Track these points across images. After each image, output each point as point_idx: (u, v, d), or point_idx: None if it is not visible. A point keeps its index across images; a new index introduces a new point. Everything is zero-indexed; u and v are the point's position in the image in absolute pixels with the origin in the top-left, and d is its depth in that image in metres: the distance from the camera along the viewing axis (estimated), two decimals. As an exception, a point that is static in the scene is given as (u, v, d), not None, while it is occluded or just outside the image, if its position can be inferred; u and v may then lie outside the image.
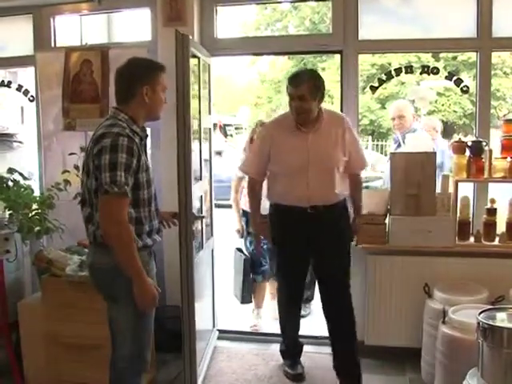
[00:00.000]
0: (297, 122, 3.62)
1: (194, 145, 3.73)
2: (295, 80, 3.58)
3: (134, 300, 2.67)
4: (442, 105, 15.44)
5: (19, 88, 5.08)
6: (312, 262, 3.88)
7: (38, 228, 3.98)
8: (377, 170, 7.72)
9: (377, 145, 16.05)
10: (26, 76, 5.25)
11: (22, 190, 4.04)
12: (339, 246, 3.78)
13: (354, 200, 3.91)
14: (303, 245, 3.76)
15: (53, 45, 4.89)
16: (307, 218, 3.66)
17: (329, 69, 16.26)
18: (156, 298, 2.71)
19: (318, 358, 4.22)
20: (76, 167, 4.22)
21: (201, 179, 4.12)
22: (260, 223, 4.01)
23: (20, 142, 4.96)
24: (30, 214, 4.01)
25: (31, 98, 4.97)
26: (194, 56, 3.75)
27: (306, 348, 4.20)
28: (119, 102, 2.81)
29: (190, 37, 3.55)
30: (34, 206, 4.09)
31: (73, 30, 5.01)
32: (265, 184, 3.95)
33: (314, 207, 3.65)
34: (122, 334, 2.80)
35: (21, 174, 4.11)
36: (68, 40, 5.06)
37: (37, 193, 4.39)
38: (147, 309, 2.75)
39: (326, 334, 4.00)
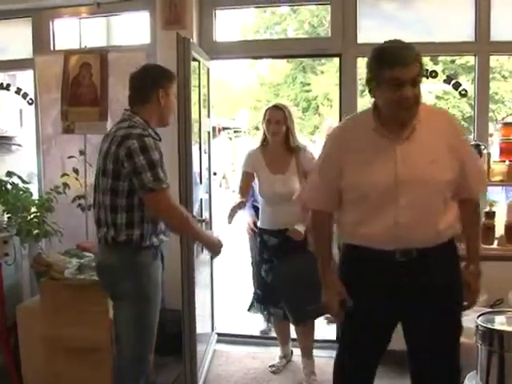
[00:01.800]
0: (401, 119, 2.34)
1: (194, 148, 3.74)
2: (401, 55, 2.32)
3: (138, 300, 2.78)
4: (441, 108, 15.47)
5: (18, 91, 5.07)
6: (403, 328, 2.58)
7: (36, 231, 3.98)
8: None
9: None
10: (24, 79, 5.24)
11: (21, 193, 4.04)
12: (446, 315, 2.47)
13: (467, 240, 2.62)
14: (386, 309, 2.46)
15: (52, 48, 4.89)
16: (394, 270, 2.38)
17: (328, 72, 16.28)
18: (221, 244, 3.14)
19: (319, 362, 4.22)
20: (75, 170, 4.23)
21: (201, 182, 4.13)
22: (336, 279, 2.55)
23: (19, 145, 4.96)
24: (29, 217, 4.01)
25: (30, 101, 4.97)
26: (194, 59, 3.76)
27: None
28: (133, 105, 2.89)
29: (191, 40, 3.56)
30: (33, 209, 4.09)
31: (72, 33, 5.01)
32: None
33: (406, 252, 2.35)
34: (126, 334, 2.84)
35: (20, 177, 4.11)
36: (67, 43, 5.06)
37: (36, 196, 4.39)
38: (218, 254, 3.18)
39: (328, 337, 3.98)
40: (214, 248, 3.12)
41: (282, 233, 3.82)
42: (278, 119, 3.81)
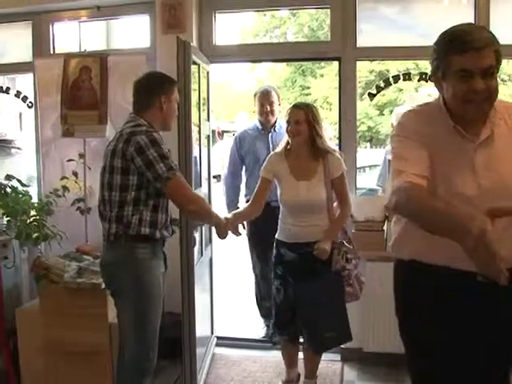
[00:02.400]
0: (468, 117, 1.99)
1: (194, 151, 3.75)
2: (473, 39, 1.95)
3: (138, 296, 2.84)
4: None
5: (18, 94, 5.07)
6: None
7: (36, 234, 3.98)
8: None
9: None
10: (24, 82, 5.25)
11: (21, 196, 4.04)
12: None
13: None
14: (472, 341, 2.01)
15: (52, 51, 4.89)
16: (477, 293, 1.89)
17: (327, 75, 16.31)
18: (232, 229, 3.44)
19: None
20: (74, 174, 4.23)
21: (200, 185, 4.13)
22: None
23: (18, 149, 4.97)
24: (28, 221, 4.01)
25: (30, 105, 4.97)
26: (194, 63, 3.76)
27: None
28: (137, 111, 3.00)
29: (192, 43, 3.57)
30: (33, 213, 4.09)
31: (72, 36, 5.01)
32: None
33: None
34: (128, 334, 2.88)
35: (19, 181, 4.11)
36: (67, 46, 5.06)
37: (35, 199, 4.39)
38: (225, 237, 3.32)
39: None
40: (221, 230, 3.28)
41: (302, 247, 3.47)
42: (297, 119, 3.51)
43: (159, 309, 2.96)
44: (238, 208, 4.46)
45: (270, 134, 4.77)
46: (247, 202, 4.13)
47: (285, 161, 3.60)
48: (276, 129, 4.77)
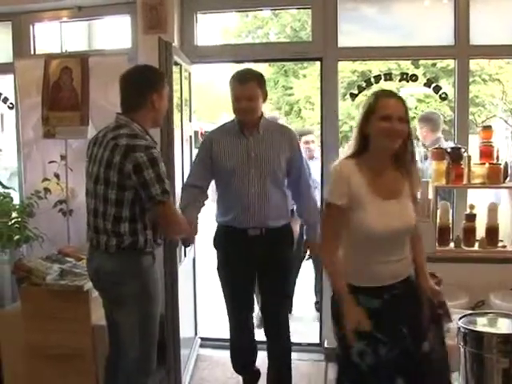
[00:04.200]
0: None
1: (176, 152, 3.73)
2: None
3: (143, 302, 2.86)
4: (422, 111, 15.57)
5: (-2, 95, 5.04)
6: None
7: (17, 236, 3.96)
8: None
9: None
10: (5, 83, 5.20)
11: (2, 198, 4.01)
12: None
13: None
14: None
15: (32, 52, 4.86)
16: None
17: (310, 75, 16.32)
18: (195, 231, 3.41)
19: (301, 365, 4.22)
20: (56, 175, 4.20)
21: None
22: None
23: (-1, 150, 4.93)
24: (10, 223, 3.98)
25: (10, 106, 4.93)
26: (176, 63, 3.75)
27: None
28: (127, 111, 2.89)
29: (173, 44, 3.56)
30: (14, 215, 4.06)
31: (53, 37, 4.98)
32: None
33: None
34: (131, 337, 2.87)
35: (0, 183, 4.08)
36: (48, 47, 5.03)
37: (16, 201, 4.35)
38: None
39: (310, 340, 3.98)
40: (190, 235, 3.39)
41: (390, 290, 2.56)
42: (400, 115, 2.49)
43: (159, 311, 3.01)
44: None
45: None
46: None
47: (358, 172, 2.56)
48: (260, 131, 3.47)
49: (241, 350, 3.82)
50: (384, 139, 2.49)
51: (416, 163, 2.71)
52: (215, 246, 3.63)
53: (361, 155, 2.57)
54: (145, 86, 2.87)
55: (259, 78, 3.39)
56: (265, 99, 3.45)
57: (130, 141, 2.73)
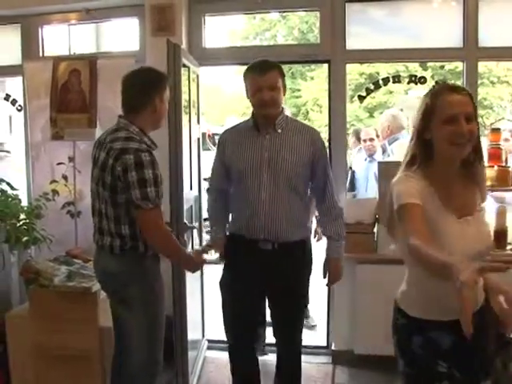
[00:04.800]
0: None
1: (185, 154, 3.73)
2: None
3: (149, 303, 2.86)
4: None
5: (7, 97, 5.06)
6: None
7: (25, 238, 3.96)
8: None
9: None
10: (13, 85, 5.22)
11: (10, 199, 4.02)
12: None
13: None
14: None
15: (41, 54, 4.88)
16: None
17: (317, 78, 16.33)
18: (203, 263, 3.16)
19: (308, 368, 4.20)
20: (64, 177, 4.21)
21: (191, 189, 4.12)
22: None
23: (7, 152, 4.94)
24: (18, 224, 3.99)
25: (19, 108, 4.95)
26: (184, 66, 3.76)
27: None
28: (128, 112, 2.89)
29: (182, 46, 3.57)
30: (22, 216, 4.07)
31: (61, 39, 5.00)
32: None
33: None
34: (136, 338, 2.88)
35: (8, 184, 4.10)
36: (56, 49, 5.04)
37: (25, 203, 4.37)
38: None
39: (317, 343, 3.96)
40: (194, 266, 3.17)
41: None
42: (468, 113, 2.06)
43: (165, 311, 3.02)
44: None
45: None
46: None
47: (429, 187, 2.12)
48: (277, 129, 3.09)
49: (242, 375, 3.45)
50: (450, 146, 2.05)
51: (484, 165, 2.29)
52: (223, 257, 3.28)
53: (424, 165, 2.14)
54: (146, 89, 2.87)
55: (280, 67, 3.05)
56: (284, 92, 3.11)
57: (123, 144, 2.74)
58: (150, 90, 2.87)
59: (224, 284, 3.27)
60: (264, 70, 2.97)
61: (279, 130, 3.07)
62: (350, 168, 5.24)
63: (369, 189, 5.08)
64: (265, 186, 3.01)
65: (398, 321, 2.25)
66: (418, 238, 1.88)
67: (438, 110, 2.06)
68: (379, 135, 5.31)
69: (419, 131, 2.14)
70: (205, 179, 4.47)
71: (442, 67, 13.57)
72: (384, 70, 11.99)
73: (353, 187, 5.18)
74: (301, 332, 3.35)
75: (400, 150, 4.65)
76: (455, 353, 2.10)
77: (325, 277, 3.25)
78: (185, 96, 3.78)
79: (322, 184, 3.13)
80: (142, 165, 2.67)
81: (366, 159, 5.36)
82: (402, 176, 2.18)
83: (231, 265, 3.25)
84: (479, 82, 4.49)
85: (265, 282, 3.13)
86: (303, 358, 4.09)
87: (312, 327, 5.15)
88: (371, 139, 5.30)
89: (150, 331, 2.90)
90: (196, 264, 3.13)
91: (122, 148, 2.72)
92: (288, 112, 3.87)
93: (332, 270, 3.23)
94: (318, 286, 5.60)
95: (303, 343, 4.03)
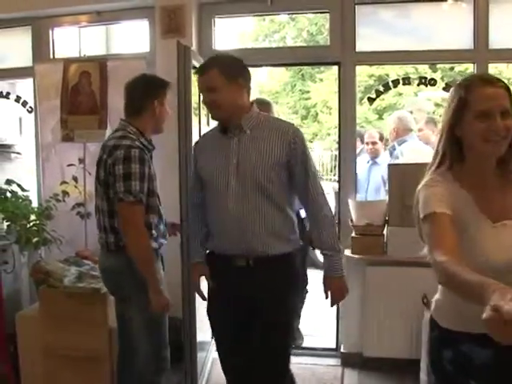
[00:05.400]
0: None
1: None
2: None
3: (145, 300, 2.82)
4: (440, 115, 15.50)
5: (18, 99, 5.09)
6: None
7: (36, 239, 3.99)
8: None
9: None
10: (24, 87, 5.25)
11: (21, 201, 4.05)
12: None
13: None
14: None
15: (51, 56, 4.90)
16: None
17: (327, 79, 16.29)
18: (167, 306, 2.87)
19: (316, 370, 4.20)
20: (74, 178, 4.23)
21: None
22: None
23: (18, 153, 4.96)
24: (28, 225, 4.02)
25: (29, 109, 4.98)
26: (194, 67, 3.77)
27: (303, 359, 4.19)
28: (129, 115, 3.00)
29: (192, 48, 3.57)
30: (32, 217, 4.10)
31: (71, 41, 5.02)
32: None
33: None
34: (141, 335, 2.91)
35: (19, 185, 4.12)
36: (67, 51, 5.07)
37: (35, 204, 4.39)
38: (159, 313, 2.89)
39: (325, 345, 3.95)
40: (157, 302, 2.81)
41: None
42: (505, 107, 1.87)
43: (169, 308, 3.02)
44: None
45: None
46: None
47: (462, 189, 1.94)
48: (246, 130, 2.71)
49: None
50: (484, 144, 1.86)
51: None
52: (209, 281, 2.91)
53: (456, 166, 1.95)
54: (146, 94, 2.98)
55: (221, 65, 2.64)
56: (240, 91, 2.69)
57: (116, 141, 2.86)
58: (148, 95, 2.97)
59: (208, 313, 2.94)
60: (201, 71, 2.69)
61: (248, 131, 2.67)
62: None
63: (370, 191, 5.10)
64: (232, 194, 2.63)
65: (431, 333, 2.08)
66: (444, 254, 1.70)
67: (470, 105, 1.86)
68: (383, 138, 5.34)
69: (450, 127, 1.93)
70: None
71: (452, 69, 13.52)
72: (393, 71, 11.96)
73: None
74: (286, 366, 2.83)
75: (409, 153, 4.65)
76: (489, 370, 1.89)
77: (327, 297, 2.79)
78: (194, 98, 3.78)
79: (302, 186, 2.71)
80: (130, 159, 2.75)
81: (368, 162, 5.37)
82: (428, 180, 1.97)
83: (209, 285, 2.90)
84: (489, 83, 4.45)
85: (244, 304, 2.71)
86: (312, 360, 4.10)
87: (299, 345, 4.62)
88: (374, 142, 5.34)
89: (153, 328, 2.93)
90: (161, 300, 2.84)
91: (114, 145, 2.83)
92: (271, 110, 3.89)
93: (333, 290, 2.77)
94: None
95: (312, 345, 4.04)
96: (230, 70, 2.64)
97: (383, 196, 4.75)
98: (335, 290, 2.77)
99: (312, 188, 2.70)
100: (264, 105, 3.80)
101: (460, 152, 1.94)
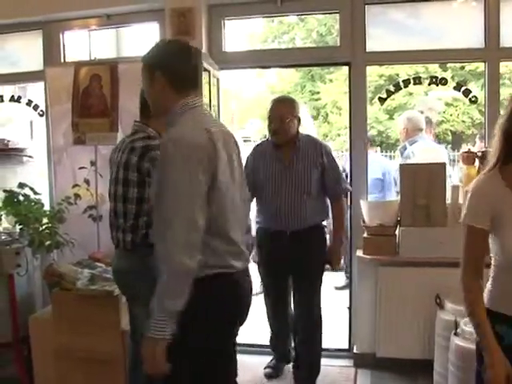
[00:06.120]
0: None
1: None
2: None
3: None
4: (451, 115, 15.41)
5: (29, 103, 5.12)
6: None
7: (48, 242, 4.00)
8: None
9: (385, 155, 15.98)
10: (35, 91, 5.28)
11: (33, 204, 4.06)
12: None
13: None
14: None
15: (62, 60, 4.93)
16: None
17: (336, 80, 16.27)
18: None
19: (329, 371, 4.19)
20: (86, 181, 4.23)
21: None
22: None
23: (30, 157, 4.98)
24: (41, 228, 4.03)
25: (41, 113, 5.01)
26: (205, 70, 3.77)
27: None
28: (144, 117, 3.03)
29: (202, 50, 3.57)
30: (45, 220, 4.11)
31: (82, 44, 5.04)
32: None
33: None
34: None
35: (31, 189, 4.13)
36: (77, 55, 5.09)
37: (47, 207, 4.41)
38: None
39: (338, 346, 3.95)
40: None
41: None
42: None
43: None
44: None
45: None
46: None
47: (506, 188, 2.06)
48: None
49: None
50: None
51: None
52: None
53: (507, 165, 2.05)
54: None
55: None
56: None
57: (145, 142, 2.91)
58: None
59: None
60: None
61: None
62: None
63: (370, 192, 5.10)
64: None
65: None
66: (472, 279, 2.06)
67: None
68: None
69: (506, 127, 2.04)
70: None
71: (463, 68, 13.47)
72: (403, 71, 11.93)
73: None
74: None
75: (421, 153, 4.63)
76: None
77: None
78: (205, 100, 3.79)
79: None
80: None
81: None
82: (477, 180, 2.15)
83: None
84: (500, 82, 4.44)
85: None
86: (325, 361, 4.09)
87: None
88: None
89: None
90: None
91: (144, 145, 2.89)
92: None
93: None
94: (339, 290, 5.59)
95: (325, 346, 4.03)
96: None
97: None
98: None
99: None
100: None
101: (510, 153, 2.04)
